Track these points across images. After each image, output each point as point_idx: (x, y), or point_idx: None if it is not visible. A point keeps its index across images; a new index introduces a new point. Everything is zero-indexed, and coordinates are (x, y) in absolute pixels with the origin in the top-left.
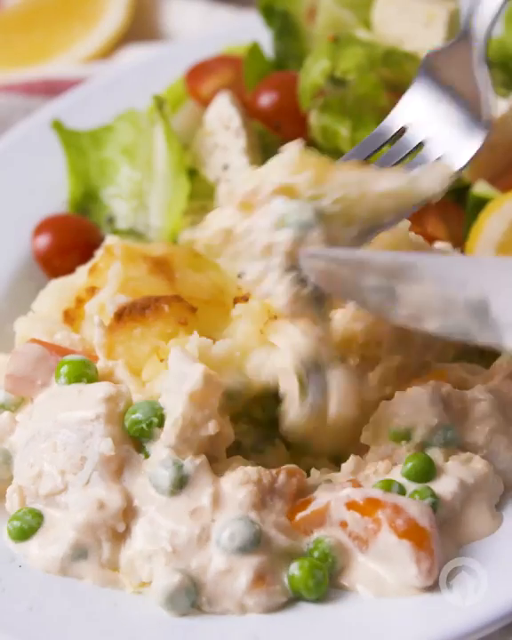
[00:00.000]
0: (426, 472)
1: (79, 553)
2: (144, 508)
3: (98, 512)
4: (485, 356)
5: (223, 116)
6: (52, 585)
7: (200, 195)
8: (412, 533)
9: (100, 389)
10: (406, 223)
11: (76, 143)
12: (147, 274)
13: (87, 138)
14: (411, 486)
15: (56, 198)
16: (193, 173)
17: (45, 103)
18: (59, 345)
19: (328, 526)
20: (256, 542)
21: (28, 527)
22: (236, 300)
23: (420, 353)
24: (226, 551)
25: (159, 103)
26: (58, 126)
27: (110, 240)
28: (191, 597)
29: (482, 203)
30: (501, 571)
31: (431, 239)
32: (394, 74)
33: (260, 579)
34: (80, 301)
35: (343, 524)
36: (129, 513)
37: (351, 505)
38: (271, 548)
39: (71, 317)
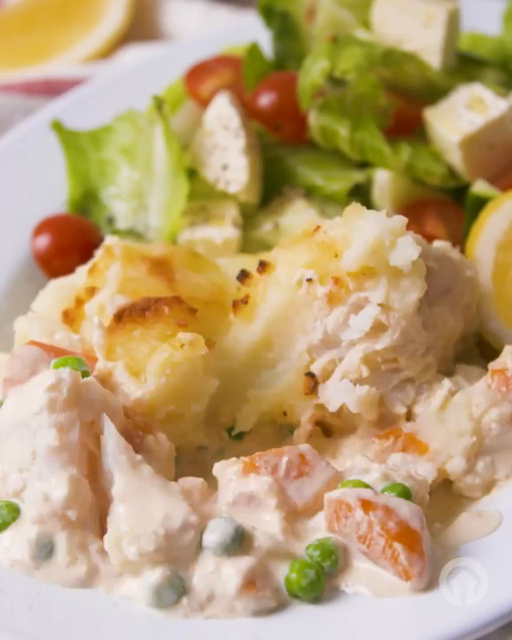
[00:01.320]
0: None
1: (42, 549)
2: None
3: (44, 505)
4: (486, 357)
5: (222, 116)
6: (51, 585)
7: (199, 195)
8: (404, 536)
9: (44, 379)
10: (403, 220)
11: (76, 143)
12: (146, 274)
13: (87, 138)
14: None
15: (56, 199)
16: (192, 173)
17: (45, 103)
18: (57, 346)
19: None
20: (240, 541)
21: (1, 521)
22: (234, 303)
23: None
24: (213, 552)
25: (158, 103)
26: (57, 127)
27: (110, 240)
28: (178, 592)
29: (481, 202)
30: (500, 570)
31: (430, 238)
32: (393, 74)
33: (249, 584)
34: (80, 302)
35: (334, 523)
36: (101, 495)
37: (341, 503)
38: (258, 549)
39: (71, 318)
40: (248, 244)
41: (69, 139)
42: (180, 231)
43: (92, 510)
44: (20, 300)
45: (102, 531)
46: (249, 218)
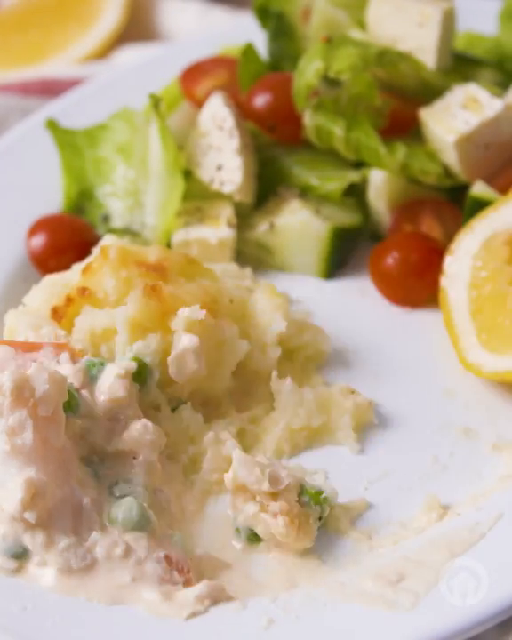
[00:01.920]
0: None
1: (13, 552)
2: None
3: (2, 511)
4: None
5: (217, 116)
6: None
7: (194, 195)
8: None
9: None
10: None
11: (71, 142)
12: (138, 279)
13: (82, 136)
14: None
15: (51, 198)
16: (187, 174)
17: (42, 103)
18: (27, 341)
19: None
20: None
21: None
22: None
23: None
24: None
25: (155, 102)
26: (52, 125)
27: (107, 240)
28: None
29: (480, 204)
30: (497, 568)
31: (427, 238)
32: (388, 73)
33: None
34: (70, 300)
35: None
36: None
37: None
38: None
39: (59, 314)
40: (243, 245)
41: (64, 137)
42: (175, 231)
43: (61, 505)
44: (16, 301)
45: (76, 524)
46: (244, 218)
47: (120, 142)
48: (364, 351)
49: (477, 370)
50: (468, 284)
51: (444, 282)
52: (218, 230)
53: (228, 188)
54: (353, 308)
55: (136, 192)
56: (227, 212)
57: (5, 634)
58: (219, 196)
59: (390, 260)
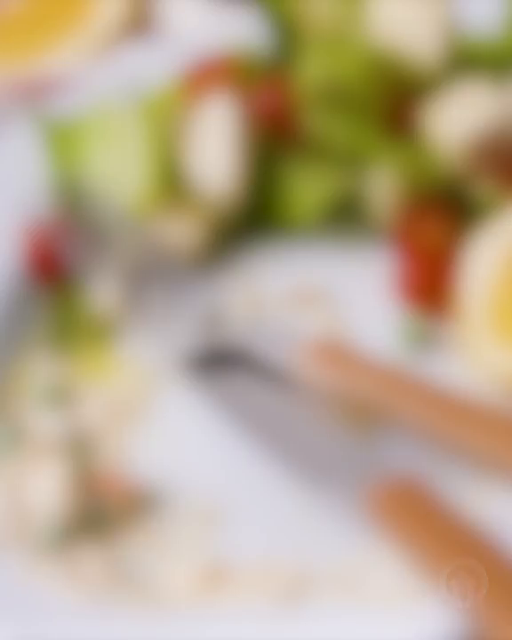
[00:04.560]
0: None
1: None
2: None
3: None
4: None
5: (215, 116)
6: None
7: (179, 197)
8: None
9: None
10: None
11: (57, 132)
12: None
13: (68, 128)
14: None
15: (44, 201)
16: (178, 174)
17: (40, 102)
18: None
19: None
20: None
21: None
22: None
23: None
24: None
25: (134, 89)
26: (38, 118)
27: None
28: None
29: (484, 203)
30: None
31: (429, 239)
32: (390, 73)
33: None
34: None
35: None
36: None
37: None
38: None
39: None
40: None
41: (50, 129)
42: (148, 219)
43: None
44: (16, 302)
45: None
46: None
47: (105, 131)
48: None
49: (487, 366)
50: (487, 281)
51: (463, 276)
52: (181, 232)
53: (213, 194)
54: None
55: (118, 180)
56: (205, 217)
57: (5, 632)
58: (202, 200)
59: (414, 278)
